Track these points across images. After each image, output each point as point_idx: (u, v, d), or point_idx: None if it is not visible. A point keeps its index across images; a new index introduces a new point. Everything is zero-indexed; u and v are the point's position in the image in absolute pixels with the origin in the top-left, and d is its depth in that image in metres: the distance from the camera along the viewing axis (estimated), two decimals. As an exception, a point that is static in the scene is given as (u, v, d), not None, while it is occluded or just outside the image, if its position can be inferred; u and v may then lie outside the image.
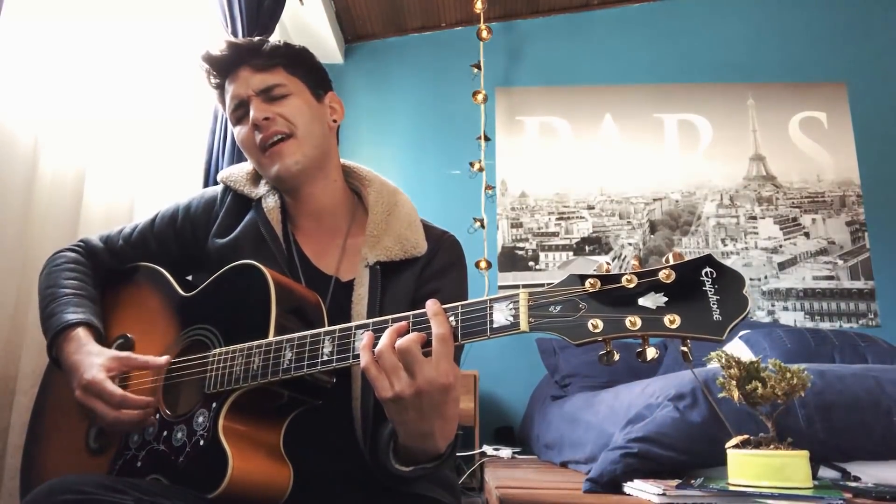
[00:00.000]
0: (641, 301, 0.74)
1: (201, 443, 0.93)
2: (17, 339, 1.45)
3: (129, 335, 1.15)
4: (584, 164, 3.63)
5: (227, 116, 1.23)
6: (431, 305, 0.84)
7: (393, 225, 1.18)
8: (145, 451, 0.99)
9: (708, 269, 0.73)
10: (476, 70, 3.43)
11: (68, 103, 1.61)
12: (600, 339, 0.75)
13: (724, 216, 3.57)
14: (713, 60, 3.71)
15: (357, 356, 0.87)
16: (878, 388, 1.45)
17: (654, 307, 0.73)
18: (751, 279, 3.45)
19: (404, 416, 0.85)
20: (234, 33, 2.17)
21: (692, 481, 1.27)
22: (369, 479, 1.05)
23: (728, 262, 3.42)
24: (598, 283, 0.76)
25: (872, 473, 1.40)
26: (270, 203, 1.22)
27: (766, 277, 3.46)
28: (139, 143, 1.88)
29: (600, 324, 0.75)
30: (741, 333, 2.42)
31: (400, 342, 0.82)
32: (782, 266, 3.48)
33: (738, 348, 2.29)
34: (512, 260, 3.50)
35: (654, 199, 3.60)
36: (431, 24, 3.78)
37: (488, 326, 0.81)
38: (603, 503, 1.28)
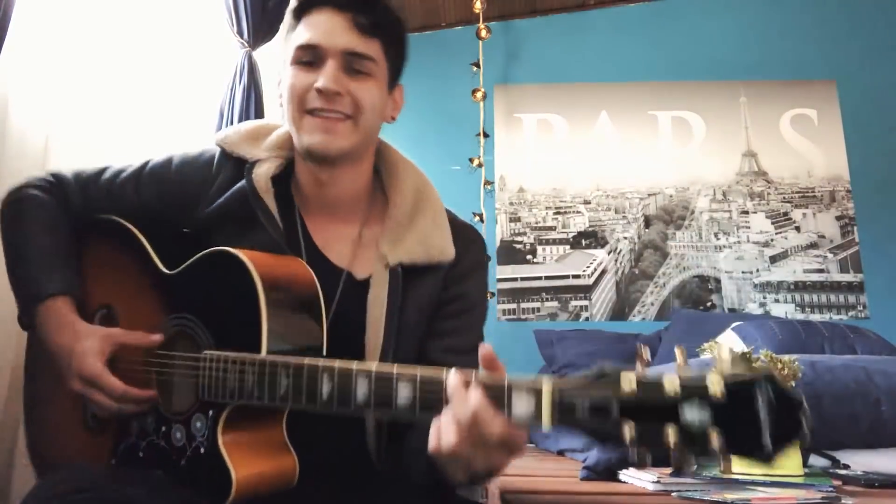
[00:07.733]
0: (683, 412, 0.64)
1: (201, 450, 0.90)
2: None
3: (112, 307, 1.06)
4: (580, 160, 3.66)
5: (288, 46, 1.05)
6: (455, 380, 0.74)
7: (418, 222, 1.07)
8: (146, 443, 0.97)
9: (764, 387, 0.63)
10: (475, 68, 3.46)
11: (78, 103, 1.64)
12: (631, 448, 0.66)
13: (716, 211, 3.60)
14: (706, 59, 3.73)
15: (359, 406, 0.80)
16: (867, 379, 1.49)
17: (697, 422, 0.64)
18: (743, 272, 3.49)
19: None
20: (240, 33, 2.19)
21: (687, 468, 1.30)
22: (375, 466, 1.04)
23: (721, 256, 3.50)
24: (637, 387, 0.67)
25: (861, 461, 1.43)
26: (262, 169, 1.05)
27: (757, 270, 3.50)
28: (148, 141, 1.90)
29: (634, 431, 0.65)
30: (734, 325, 2.45)
31: (495, 429, 0.71)
32: (774, 259, 3.51)
33: (730, 339, 2.32)
34: (510, 253, 3.52)
35: (649, 194, 3.62)
36: (432, 23, 3.79)
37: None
38: (599, 490, 1.29)
